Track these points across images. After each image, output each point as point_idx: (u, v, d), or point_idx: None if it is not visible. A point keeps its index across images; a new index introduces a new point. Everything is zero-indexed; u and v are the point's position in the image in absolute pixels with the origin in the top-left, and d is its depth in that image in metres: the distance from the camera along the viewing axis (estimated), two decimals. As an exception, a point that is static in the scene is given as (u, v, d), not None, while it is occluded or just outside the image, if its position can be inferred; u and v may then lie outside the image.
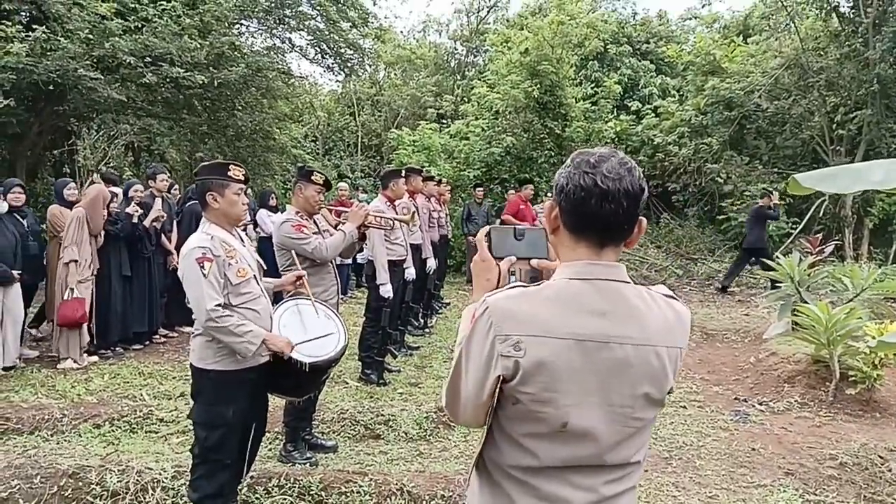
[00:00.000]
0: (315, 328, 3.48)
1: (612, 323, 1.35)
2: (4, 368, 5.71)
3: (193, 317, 3.11)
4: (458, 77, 20.82)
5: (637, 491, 1.50)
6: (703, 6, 18.94)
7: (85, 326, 6.11)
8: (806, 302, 6.45)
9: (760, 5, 17.46)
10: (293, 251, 3.96)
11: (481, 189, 12.12)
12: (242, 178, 3.19)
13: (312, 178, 4.16)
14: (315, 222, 4.24)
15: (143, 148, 15.13)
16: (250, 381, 3.14)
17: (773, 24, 17.78)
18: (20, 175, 10.79)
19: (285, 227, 4.06)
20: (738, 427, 4.99)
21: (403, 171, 6.22)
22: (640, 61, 18.61)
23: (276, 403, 4.16)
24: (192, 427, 4.45)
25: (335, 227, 4.46)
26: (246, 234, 3.57)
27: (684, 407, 5.45)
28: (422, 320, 7.95)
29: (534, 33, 13.47)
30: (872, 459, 4.31)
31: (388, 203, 5.97)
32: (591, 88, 16.20)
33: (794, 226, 13.16)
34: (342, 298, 5.82)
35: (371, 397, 5.44)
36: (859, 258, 12.68)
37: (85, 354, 6.17)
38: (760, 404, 5.50)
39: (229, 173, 3.14)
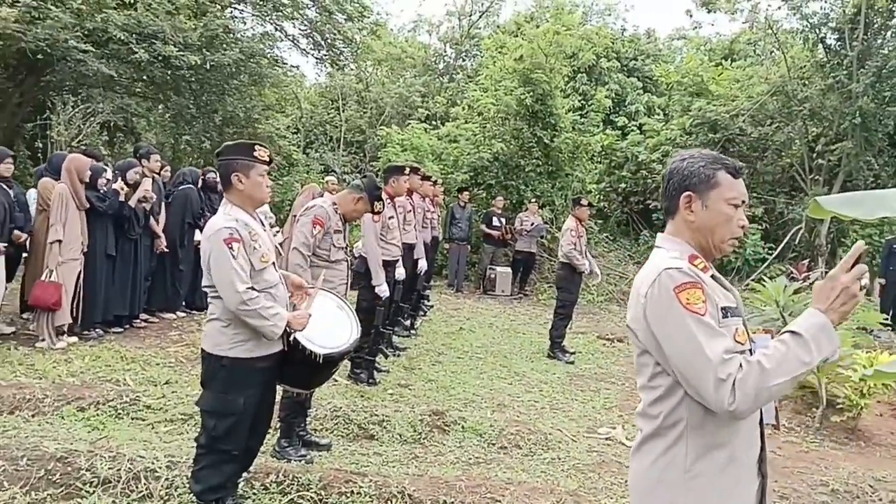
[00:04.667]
0: (328, 318, 3.40)
1: None
2: (-21, 344, 5.49)
3: (209, 300, 3.01)
4: (446, 80, 20.77)
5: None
6: (693, 28, 19.18)
7: (67, 307, 5.87)
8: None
9: (748, 31, 17.77)
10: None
11: (466, 192, 12.09)
12: (268, 158, 3.10)
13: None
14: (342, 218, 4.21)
15: (118, 127, 14.77)
16: (263, 371, 3.05)
17: (759, 51, 18.17)
18: (-4, 145, 10.44)
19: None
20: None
21: (407, 169, 6.11)
22: (627, 77, 18.80)
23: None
24: (182, 416, 4.39)
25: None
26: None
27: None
28: (408, 321, 7.85)
29: (528, 41, 13.49)
30: (862, 487, 4.36)
31: (388, 199, 5.87)
32: (579, 101, 16.31)
33: (770, 251, 13.41)
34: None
35: (362, 396, 5.35)
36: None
37: (63, 335, 5.94)
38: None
39: (255, 154, 3.05)
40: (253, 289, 2.92)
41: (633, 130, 16.50)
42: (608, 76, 18.46)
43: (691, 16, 16.33)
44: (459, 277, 11.88)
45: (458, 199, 12.07)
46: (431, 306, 9.40)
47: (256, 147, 3.10)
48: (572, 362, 7.29)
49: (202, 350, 3.08)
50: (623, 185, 16.04)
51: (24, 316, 6.37)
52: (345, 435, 4.56)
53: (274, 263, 3.12)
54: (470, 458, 4.39)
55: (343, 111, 19.19)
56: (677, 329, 1.59)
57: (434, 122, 16.48)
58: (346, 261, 4.29)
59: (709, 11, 14.76)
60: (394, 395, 5.51)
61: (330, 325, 3.36)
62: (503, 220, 12.06)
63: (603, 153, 15.98)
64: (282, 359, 3.13)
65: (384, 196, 5.78)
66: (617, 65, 18.81)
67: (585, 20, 20.57)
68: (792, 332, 1.57)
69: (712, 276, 1.75)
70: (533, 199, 12.53)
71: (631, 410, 5.77)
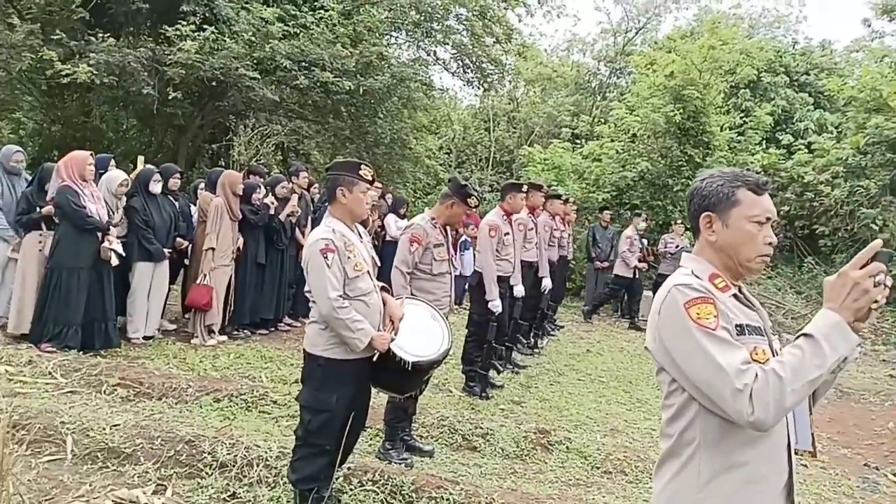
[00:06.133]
0: (422, 328, 3.56)
1: None
2: (145, 337, 6.26)
3: (311, 304, 3.28)
4: (599, 98, 20.52)
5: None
6: (872, 39, 17.46)
7: (216, 308, 6.54)
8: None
9: (942, 40, 15.91)
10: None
11: (609, 212, 11.83)
12: (370, 178, 3.34)
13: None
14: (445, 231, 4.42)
15: (291, 148, 16.12)
16: (355, 373, 3.27)
17: (954, 62, 16.16)
18: (180, 163, 11.81)
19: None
20: (865, 496, 4.56)
21: (525, 186, 6.19)
22: (796, 93, 17.47)
23: (380, 401, 4.28)
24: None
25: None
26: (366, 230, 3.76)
27: (805, 465, 5.05)
28: (532, 340, 7.85)
29: (682, 57, 13.04)
30: None
31: (505, 216, 5.97)
32: (740, 118, 15.43)
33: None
34: (454, 309, 5.86)
35: (472, 409, 5.47)
36: None
37: (215, 333, 6.62)
38: (894, 474, 4.99)
39: (360, 172, 3.31)
40: (347, 296, 3.16)
41: (800, 149, 15.28)
42: (774, 91, 17.30)
43: (870, 25, 14.89)
44: (597, 300, 11.63)
45: (599, 219, 11.86)
46: (561, 327, 9.32)
47: (362, 166, 3.36)
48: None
49: (303, 349, 3.36)
50: (786, 208, 14.86)
51: (186, 316, 7.17)
52: (448, 444, 4.69)
53: (369, 272, 3.34)
54: (570, 479, 4.35)
55: (493, 131, 19.58)
56: (689, 344, 1.59)
57: (578, 142, 16.34)
58: (450, 273, 4.44)
59: (891, 20, 13.40)
60: (504, 410, 5.57)
61: (422, 334, 3.51)
62: (645, 241, 11.67)
63: (764, 173, 14.95)
64: (375, 363, 3.34)
65: (501, 213, 5.92)
66: (785, 79, 17.55)
67: (751, 33, 19.46)
68: (804, 334, 1.52)
69: (734, 296, 1.71)
70: (679, 220, 12.01)
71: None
